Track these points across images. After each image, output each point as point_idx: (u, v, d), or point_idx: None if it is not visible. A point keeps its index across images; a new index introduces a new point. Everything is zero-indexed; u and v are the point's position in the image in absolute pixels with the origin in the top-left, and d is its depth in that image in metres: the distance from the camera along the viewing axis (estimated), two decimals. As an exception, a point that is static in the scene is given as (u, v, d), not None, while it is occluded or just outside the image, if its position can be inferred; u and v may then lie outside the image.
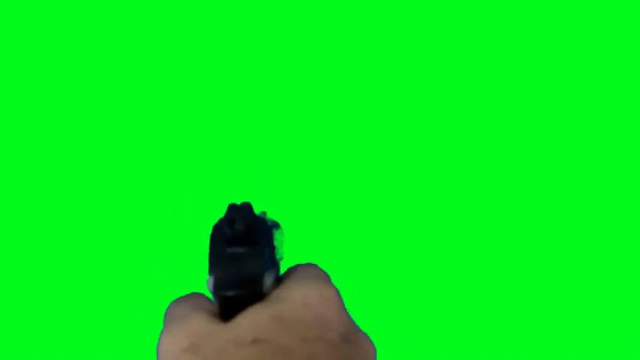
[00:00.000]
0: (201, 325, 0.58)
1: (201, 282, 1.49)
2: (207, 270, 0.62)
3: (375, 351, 0.60)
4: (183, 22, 1.60)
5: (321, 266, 1.52)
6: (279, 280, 0.62)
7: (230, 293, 0.59)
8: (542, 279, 1.51)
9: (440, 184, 1.56)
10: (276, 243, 0.63)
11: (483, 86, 1.58)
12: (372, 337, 1.42)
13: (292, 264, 0.64)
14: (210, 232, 0.62)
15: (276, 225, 0.64)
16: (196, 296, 0.62)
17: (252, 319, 0.57)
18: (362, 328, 0.62)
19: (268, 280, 0.60)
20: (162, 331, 0.60)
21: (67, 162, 1.56)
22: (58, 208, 1.54)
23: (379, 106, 1.59)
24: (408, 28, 1.59)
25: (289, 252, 1.53)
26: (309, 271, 0.62)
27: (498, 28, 1.59)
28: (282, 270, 0.64)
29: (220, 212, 1.55)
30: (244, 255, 0.59)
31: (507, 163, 1.56)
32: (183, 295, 0.63)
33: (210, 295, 0.63)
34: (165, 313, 0.62)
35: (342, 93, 1.59)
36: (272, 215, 1.55)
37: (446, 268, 1.52)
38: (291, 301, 0.58)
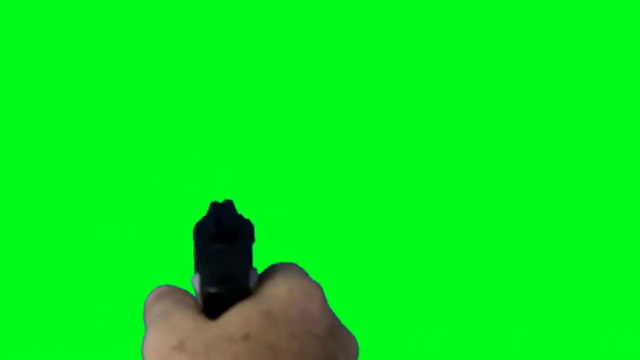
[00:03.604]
0: (189, 321, 0.58)
1: (186, 279, 1.49)
2: (190, 267, 0.62)
3: (358, 347, 0.61)
4: (176, 24, 1.60)
5: (309, 265, 1.52)
6: (259, 278, 0.62)
7: (216, 290, 0.59)
8: (535, 277, 1.51)
9: (432, 183, 1.55)
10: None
11: (481, 87, 1.58)
12: (359, 335, 1.43)
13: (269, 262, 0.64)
14: (192, 230, 0.62)
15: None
16: (177, 291, 0.62)
17: (242, 316, 0.57)
18: (349, 327, 0.63)
19: (253, 276, 0.60)
20: (147, 329, 0.60)
21: (55, 161, 1.56)
22: (49, 208, 1.54)
23: (369, 108, 1.59)
24: (403, 29, 1.59)
25: (274, 251, 1.53)
26: (291, 268, 0.62)
27: (498, 28, 1.58)
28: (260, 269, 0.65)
29: (199, 210, 1.56)
30: (230, 251, 0.59)
31: (503, 162, 1.56)
32: (159, 286, 0.63)
33: (193, 292, 0.63)
34: (146, 309, 0.61)
35: (332, 93, 1.59)
36: (259, 213, 1.55)
37: (439, 267, 1.52)
38: (277, 297, 0.59)
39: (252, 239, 0.60)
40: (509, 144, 1.57)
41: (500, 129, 1.57)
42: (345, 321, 1.46)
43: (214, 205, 0.60)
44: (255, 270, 0.61)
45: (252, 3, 1.56)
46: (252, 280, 0.61)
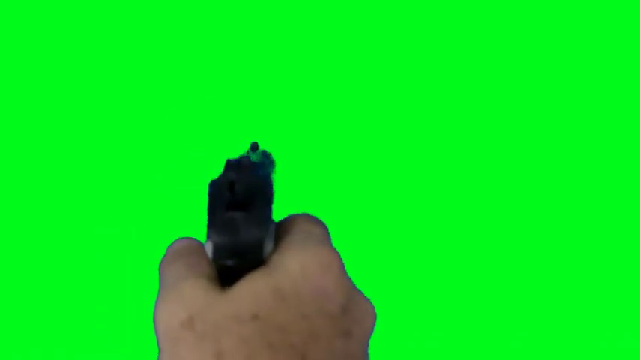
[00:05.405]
0: (200, 293, 0.56)
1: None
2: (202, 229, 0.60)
3: (375, 314, 0.59)
4: (180, 23, 1.60)
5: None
6: (275, 236, 0.60)
7: (229, 262, 0.57)
8: (543, 278, 1.51)
9: (438, 183, 1.55)
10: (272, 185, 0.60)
11: (483, 87, 1.58)
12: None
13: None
14: (207, 190, 0.59)
15: (271, 162, 0.62)
16: (193, 252, 0.60)
17: (251, 293, 0.56)
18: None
19: (268, 246, 0.58)
20: (158, 295, 0.58)
21: (61, 159, 1.56)
22: (53, 206, 1.54)
23: (377, 106, 1.59)
24: (407, 29, 1.59)
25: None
26: (307, 229, 0.59)
27: (498, 28, 1.59)
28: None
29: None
30: (245, 220, 0.57)
31: (507, 163, 1.56)
32: (177, 240, 0.61)
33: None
34: (161, 269, 0.60)
35: (339, 92, 1.60)
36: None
37: (446, 267, 1.52)
38: (290, 272, 0.56)
39: (270, 202, 0.57)
40: (515, 142, 1.57)
41: (508, 127, 1.57)
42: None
43: (230, 164, 0.57)
44: (272, 235, 0.58)
45: (253, 3, 1.57)
46: (270, 248, 0.58)
